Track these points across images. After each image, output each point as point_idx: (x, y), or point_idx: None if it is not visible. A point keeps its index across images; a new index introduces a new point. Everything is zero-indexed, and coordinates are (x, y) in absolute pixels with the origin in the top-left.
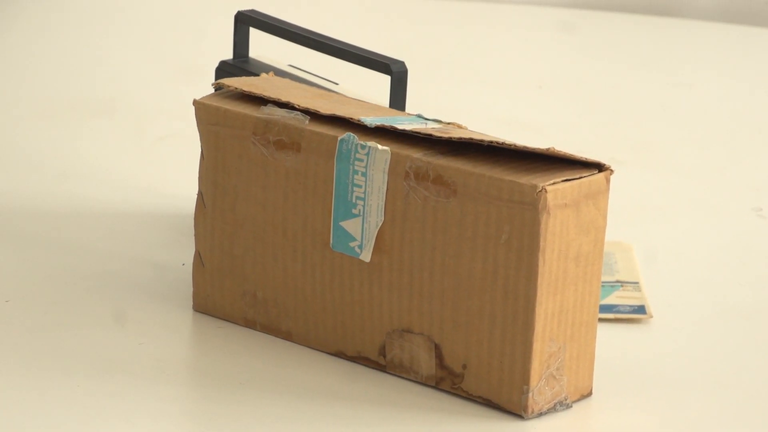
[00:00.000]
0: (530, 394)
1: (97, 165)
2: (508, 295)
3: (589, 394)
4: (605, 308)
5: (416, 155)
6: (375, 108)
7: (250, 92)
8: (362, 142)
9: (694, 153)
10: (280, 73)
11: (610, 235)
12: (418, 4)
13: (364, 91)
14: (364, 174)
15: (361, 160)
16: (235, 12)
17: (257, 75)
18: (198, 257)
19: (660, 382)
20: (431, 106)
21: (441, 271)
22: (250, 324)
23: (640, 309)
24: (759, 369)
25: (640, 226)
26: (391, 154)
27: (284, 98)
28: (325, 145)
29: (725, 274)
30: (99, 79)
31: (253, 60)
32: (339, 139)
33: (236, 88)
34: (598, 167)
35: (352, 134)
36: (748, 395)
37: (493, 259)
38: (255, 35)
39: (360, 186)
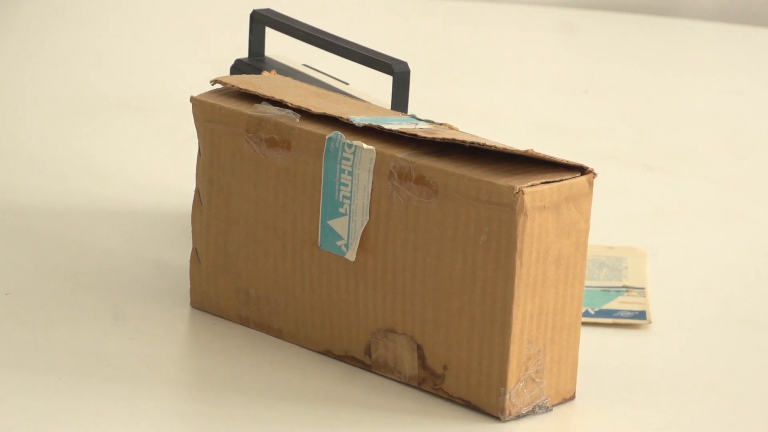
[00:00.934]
0: (507, 396)
1: (126, 163)
2: (486, 297)
3: (572, 397)
4: (605, 313)
5: (400, 155)
6: (370, 108)
7: (246, 90)
8: (349, 141)
9: (725, 159)
10: (291, 72)
11: (630, 239)
12: (415, 4)
13: (374, 91)
14: (350, 173)
15: (347, 159)
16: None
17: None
18: (195, 254)
19: (647, 389)
20: (442, 106)
21: (423, 272)
22: (243, 321)
23: (641, 314)
24: (751, 378)
25: (662, 232)
26: (376, 153)
27: (278, 96)
28: (314, 143)
29: (738, 282)
30: (135, 77)
31: (269, 59)
32: (327, 137)
33: (233, 86)
34: (581, 170)
35: (339, 133)
36: (737, 404)
37: (472, 260)
38: (275, 34)
39: (346, 185)
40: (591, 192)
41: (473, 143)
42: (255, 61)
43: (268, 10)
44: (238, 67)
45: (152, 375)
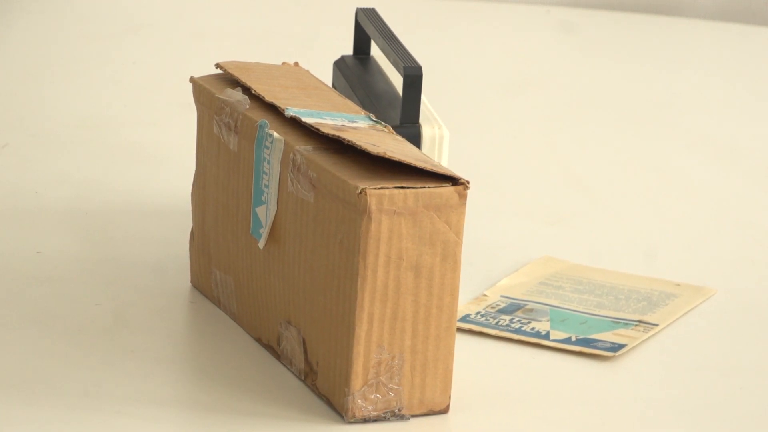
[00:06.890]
0: (351, 398)
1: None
2: (340, 296)
3: (444, 411)
4: (585, 342)
5: (300, 148)
6: (336, 104)
7: (232, 75)
8: (269, 131)
9: None
10: (377, 72)
11: (726, 280)
12: (414, 3)
13: (426, 95)
14: (269, 162)
15: (267, 148)
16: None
17: (360, 72)
18: (192, 231)
19: (542, 413)
20: (451, 110)
21: (304, 266)
22: (216, 301)
23: (617, 347)
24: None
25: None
26: (285, 144)
27: (251, 84)
28: (251, 130)
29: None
30: None
31: (372, 58)
32: (257, 124)
33: (226, 71)
34: (453, 181)
35: (266, 121)
36: None
37: (332, 258)
38: None
39: (267, 174)
40: (462, 204)
41: (349, 141)
42: (356, 58)
43: (370, 10)
44: (339, 64)
45: (80, 338)
